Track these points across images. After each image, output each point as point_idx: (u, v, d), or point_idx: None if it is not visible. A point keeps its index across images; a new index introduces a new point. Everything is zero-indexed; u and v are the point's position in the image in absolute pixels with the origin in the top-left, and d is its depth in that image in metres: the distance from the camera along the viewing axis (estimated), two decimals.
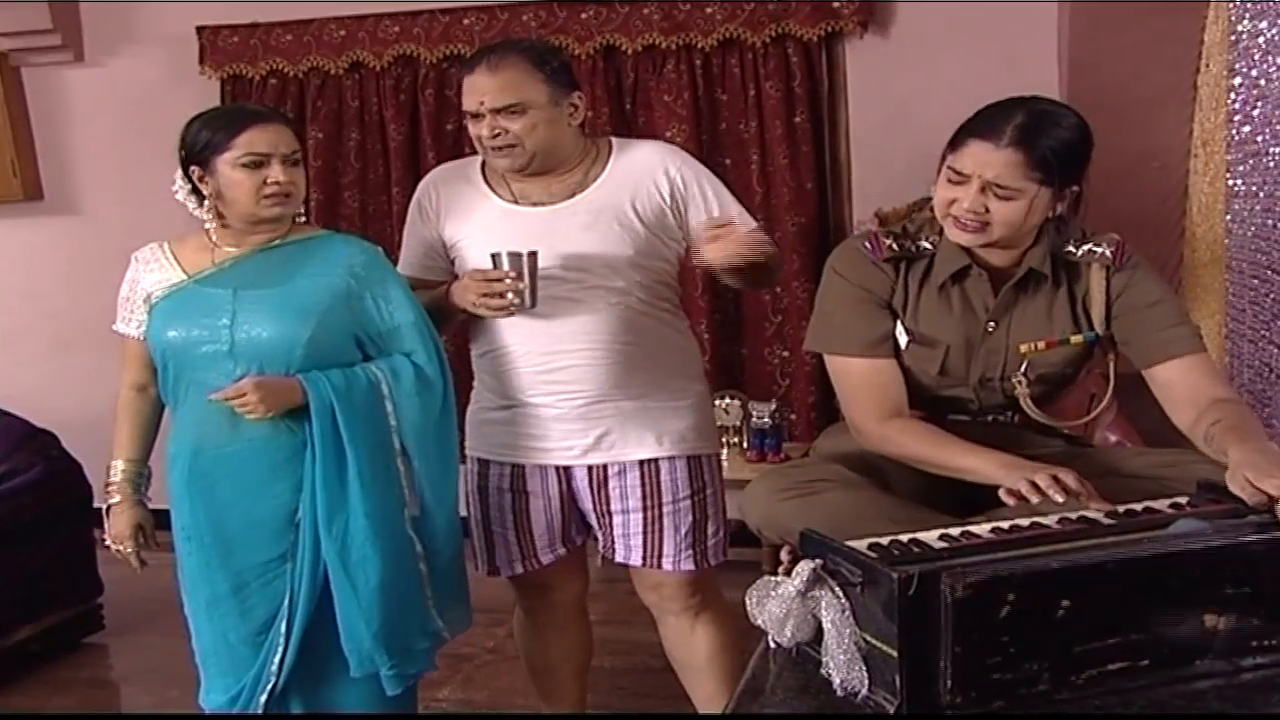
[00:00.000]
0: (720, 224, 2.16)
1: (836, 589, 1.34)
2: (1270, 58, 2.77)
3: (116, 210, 4.46)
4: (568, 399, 2.30)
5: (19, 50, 4.47)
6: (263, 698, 2.20)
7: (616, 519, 2.37)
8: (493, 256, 2.20)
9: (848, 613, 1.32)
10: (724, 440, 3.71)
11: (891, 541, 1.40)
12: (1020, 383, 1.90)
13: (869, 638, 1.30)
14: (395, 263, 2.37)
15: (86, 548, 3.58)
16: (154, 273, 2.22)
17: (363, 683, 2.22)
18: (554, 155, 2.28)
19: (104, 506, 2.30)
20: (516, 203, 2.31)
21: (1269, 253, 2.77)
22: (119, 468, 2.28)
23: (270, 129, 2.13)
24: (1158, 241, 3.22)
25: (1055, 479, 1.61)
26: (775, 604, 1.37)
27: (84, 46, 4.49)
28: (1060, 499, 1.58)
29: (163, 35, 4.37)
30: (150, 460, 2.31)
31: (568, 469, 2.36)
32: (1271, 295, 2.76)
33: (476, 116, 2.24)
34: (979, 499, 1.74)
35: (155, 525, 2.30)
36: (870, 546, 1.38)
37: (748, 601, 1.42)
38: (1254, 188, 2.90)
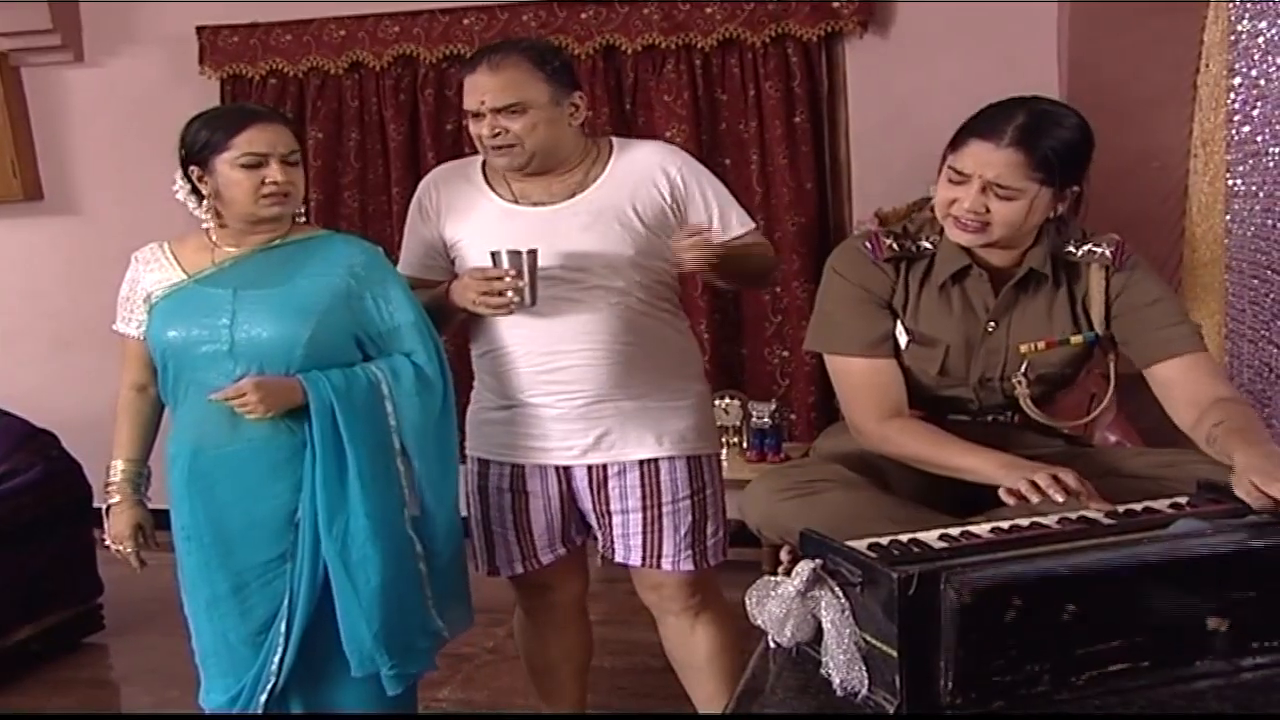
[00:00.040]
0: (692, 232, 2.21)
1: (836, 589, 1.33)
2: (1270, 58, 2.77)
3: (116, 210, 4.47)
4: (568, 399, 2.30)
5: (19, 50, 4.47)
6: (263, 698, 2.20)
7: (616, 519, 2.37)
8: (492, 255, 2.20)
9: (847, 613, 1.32)
10: (724, 440, 3.71)
11: (891, 541, 1.40)
12: (1020, 383, 1.90)
13: (869, 638, 1.30)
14: (395, 263, 2.37)
15: (86, 548, 3.58)
16: (154, 272, 2.22)
17: (363, 682, 2.22)
18: (554, 155, 2.28)
19: (104, 506, 2.30)
20: (517, 202, 2.32)
21: (1269, 253, 2.77)
22: (119, 468, 2.28)
23: (269, 129, 2.14)
24: (1158, 241, 3.21)
25: (1055, 479, 1.61)
26: (775, 604, 1.37)
27: (84, 46, 4.49)
28: (1060, 499, 1.58)
29: (162, 35, 4.37)
30: (150, 460, 2.32)
31: (568, 469, 2.36)
32: (1271, 295, 2.76)
33: (477, 116, 2.24)
34: (979, 499, 1.74)
35: (155, 525, 2.30)
36: (870, 546, 1.38)
37: (748, 601, 1.41)
38: (1254, 188, 2.90)
